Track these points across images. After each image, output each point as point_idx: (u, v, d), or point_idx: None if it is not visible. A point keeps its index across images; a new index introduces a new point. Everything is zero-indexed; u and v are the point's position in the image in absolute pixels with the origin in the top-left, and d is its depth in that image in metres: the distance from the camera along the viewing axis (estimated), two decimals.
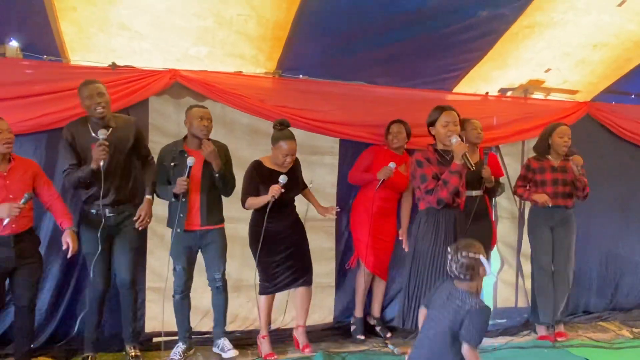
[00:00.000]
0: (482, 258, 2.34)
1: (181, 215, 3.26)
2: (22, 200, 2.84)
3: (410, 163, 3.07)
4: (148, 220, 3.23)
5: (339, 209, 3.36)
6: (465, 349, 2.29)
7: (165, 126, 3.65)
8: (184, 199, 3.24)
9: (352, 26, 3.38)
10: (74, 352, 3.40)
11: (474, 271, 2.33)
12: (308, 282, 3.50)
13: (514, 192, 4.05)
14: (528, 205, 4.25)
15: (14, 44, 3.27)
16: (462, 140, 3.04)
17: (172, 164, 3.27)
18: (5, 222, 2.83)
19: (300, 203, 3.59)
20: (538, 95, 4.51)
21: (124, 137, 3.20)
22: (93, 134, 3.10)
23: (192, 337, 3.53)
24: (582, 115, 4.51)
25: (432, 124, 3.06)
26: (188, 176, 3.16)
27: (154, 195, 3.30)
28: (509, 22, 3.49)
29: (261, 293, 3.43)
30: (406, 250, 3.74)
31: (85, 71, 3.40)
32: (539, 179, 3.86)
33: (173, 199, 3.26)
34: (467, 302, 2.31)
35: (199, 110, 3.28)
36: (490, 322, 4.15)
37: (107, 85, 3.33)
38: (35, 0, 2.88)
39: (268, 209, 3.21)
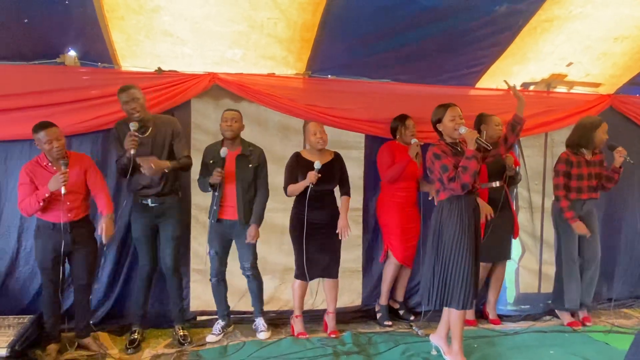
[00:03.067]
0: None
1: (215, 207, 3.36)
2: (62, 167, 2.93)
3: (427, 158, 3.01)
4: (152, 168, 3.09)
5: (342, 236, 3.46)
6: None
7: (206, 125, 3.74)
8: (217, 193, 3.31)
9: (375, 26, 3.34)
10: (127, 328, 3.52)
11: None
12: (335, 275, 3.53)
13: (560, 195, 3.71)
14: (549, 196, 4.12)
15: (72, 53, 3.42)
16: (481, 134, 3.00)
17: (211, 161, 3.37)
18: (63, 192, 2.91)
19: None
20: (561, 88, 4.33)
21: (163, 136, 3.29)
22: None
23: (231, 316, 3.62)
24: (605, 107, 4.31)
25: (439, 121, 3.03)
26: (222, 167, 3.24)
27: (172, 167, 3.25)
28: (527, 17, 3.37)
29: (296, 277, 3.49)
30: None
31: (134, 76, 3.53)
32: (576, 173, 3.72)
33: (210, 190, 3.34)
34: None
35: (226, 113, 3.40)
36: (513, 308, 4.11)
37: (153, 88, 3.47)
38: (89, 12, 3.01)
39: (307, 197, 3.26)
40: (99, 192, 3.17)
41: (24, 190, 3.01)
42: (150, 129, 3.25)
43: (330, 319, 3.60)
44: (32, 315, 3.27)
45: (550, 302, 4.04)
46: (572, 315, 3.87)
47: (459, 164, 2.89)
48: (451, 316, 3.03)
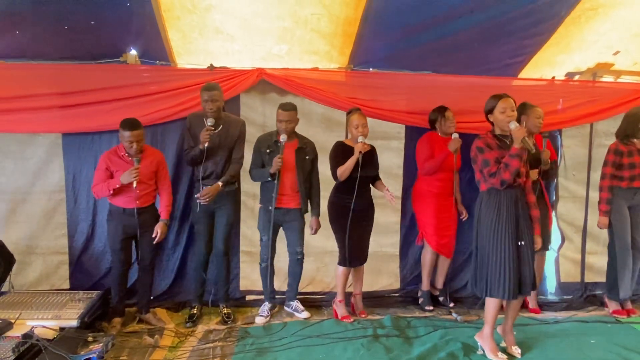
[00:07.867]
0: None
1: (274, 195, 3.33)
2: (135, 163, 3.10)
3: (472, 149, 2.91)
4: (207, 199, 3.26)
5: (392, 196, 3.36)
6: None
7: (253, 117, 3.78)
8: (276, 181, 3.31)
9: (415, 18, 3.26)
10: (183, 305, 3.66)
11: None
12: (365, 261, 3.56)
13: (603, 185, 3.57)
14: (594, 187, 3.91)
15: (133, 52, 3.54)
16: (520, 125, 2.87)
17: (268, 150, 3.39)
18: (134, 185, 3.08)
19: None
20: (607, 78, 4.07)
21: (230, 134, 3.36)
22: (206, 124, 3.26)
23: (276, 297, 3.66)
24: None
25: (490, 111, 2.89)
26: (281, 154, 3.27)
27: (229, 184, 3.38)
28: (570, 5, 3.18)
29: (339, 264, 3.49)
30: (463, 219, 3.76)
31: (189, 73, 3.62)
32: (627, 162, 3.53)
33: (269, 179, 3.35)
34: None
35: (282, 114, 3.34)
36: (555, 298, 3.93)
37: None
38: (148, 12, 3.09)
39: (357, 185, 3.27)
40: (163, 193, 3.34)
41: (99, 176, 3.20)
42: (222, 126, 3.33)
43: (358, 300, 3.62)
44: (99, 291, 3.43)
45: (596, 292, 3.86)
46: (622, 305, 3.66)
47: (502, 158, 2.77)
48: (488, 300, 2.90)
